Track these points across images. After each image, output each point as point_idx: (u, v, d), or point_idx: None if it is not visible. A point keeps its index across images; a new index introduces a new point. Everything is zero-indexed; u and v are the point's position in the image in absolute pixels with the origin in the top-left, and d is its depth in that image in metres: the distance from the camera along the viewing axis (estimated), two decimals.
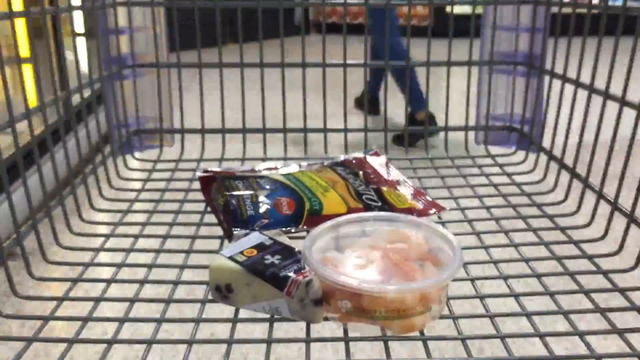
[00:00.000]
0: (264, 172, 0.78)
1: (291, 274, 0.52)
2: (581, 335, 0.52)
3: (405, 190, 0.77)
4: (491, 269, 0.64)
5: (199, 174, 0.80)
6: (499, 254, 0.67)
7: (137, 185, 0.85)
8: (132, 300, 0.58)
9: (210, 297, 0.57)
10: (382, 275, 0.53)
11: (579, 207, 0.75)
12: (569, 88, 0.80)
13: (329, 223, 0.60)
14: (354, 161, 0.84)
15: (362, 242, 0.58)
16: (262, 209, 0.69)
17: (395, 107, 2.80)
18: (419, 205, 0.73)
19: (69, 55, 2.16)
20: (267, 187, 0.72)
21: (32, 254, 0.63)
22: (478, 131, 1.03)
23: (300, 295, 0.51)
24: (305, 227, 0.67)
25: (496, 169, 0.91)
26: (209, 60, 0.96)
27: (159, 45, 0.97)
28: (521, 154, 0.96)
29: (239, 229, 0.66)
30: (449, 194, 0.82)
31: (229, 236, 0.66)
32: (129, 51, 0.95)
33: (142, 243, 0.69)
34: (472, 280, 0.61)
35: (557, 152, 0.85)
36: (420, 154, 0.97)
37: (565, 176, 0.80)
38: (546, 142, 0.91)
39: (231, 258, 0.55)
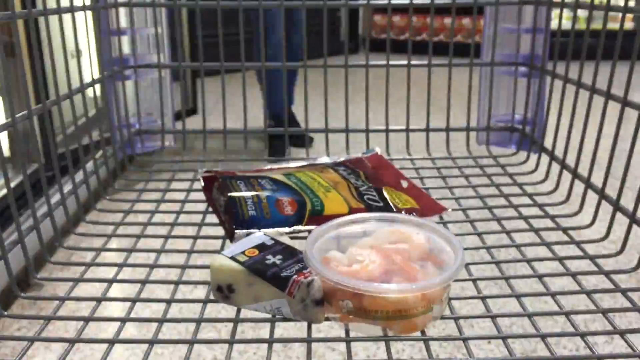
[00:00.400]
0: (266, 172, 0.78)
1: (292, 275, 0.52)
2: (583, 335, 0.52)
3: (407, 191, 0.77)
4: (493, 270, 0.64)
5: (200, 173, 0.80)
6: (500, 254, 0.67)
7: (139, 185, 0.85)
8: (133, 300, 0.59)
9: (211, 297, 0.57)
10: (383, 276, 0.53)
11: (580, 207, 0.75)
12: (571, 89, 0.80)
13: (330, 223, 0.60)
14: (354, 161, 0.84)
15: (364, 242, 0.58)
16: (264, 209, 0.69)
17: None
18: (421, 206, 0.73)
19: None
20: (269, 187, 0.72)
21: (34, 253, 0.63)
22: (479, 132, 1.03)
23: (302, 295, 0.51)
24: (306, 227, 0.68)
25: (498, 170, 0.91)
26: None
27: (160, 45, 0.97)
28: (523, 155, 0.96)
29: (240, 230, 0.66)
30: (451, 194, 0.82)
31: (230, 236, 0.66)
32: (130, 52, 0.96)
33: (143, 243, 0.69)
34: (474, 280, 0.61)
35: (558, 152, 0.85)
36: (422, 153, 0.97)
37: (567, 177, 0.80)
38: (547, 143, 0.91)
39: (233, 258, 0.55)
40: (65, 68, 0.72)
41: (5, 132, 0.64)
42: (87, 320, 0.55)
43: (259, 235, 0.60)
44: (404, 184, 0.79)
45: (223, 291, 0.55)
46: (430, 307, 0.51)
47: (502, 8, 0.96)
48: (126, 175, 0.91)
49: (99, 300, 0.59)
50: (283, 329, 0.52)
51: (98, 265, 0.66)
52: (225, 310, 0.56)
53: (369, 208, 0.71)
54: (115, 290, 0.60)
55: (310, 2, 0.94)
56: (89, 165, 0.81)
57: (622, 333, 0.53)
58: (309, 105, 0.98)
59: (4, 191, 1.35)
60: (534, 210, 0.77)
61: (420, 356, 0.50)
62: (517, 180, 0.87)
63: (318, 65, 0.96)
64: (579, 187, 0.77)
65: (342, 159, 0.85)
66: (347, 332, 0.52)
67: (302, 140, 2.73)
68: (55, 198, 0.71)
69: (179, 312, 0.54)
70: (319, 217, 0.68)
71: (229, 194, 0.71)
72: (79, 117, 0.77)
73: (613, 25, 0.92)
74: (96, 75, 0.84)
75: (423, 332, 0.52)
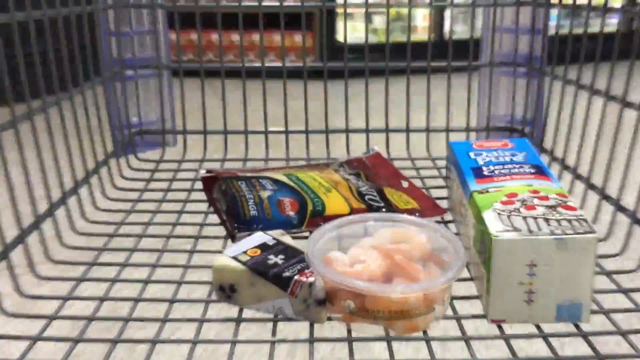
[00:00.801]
0: (266, 172, 0.78)
1: (294, 275, 0.52)
2: (585, 336, 0.52)
3: (408, 191, 0.77)
4: None
5: (201, 173, 0.80)
6: None
7: (140, 185, 0.85)
8: (135, 300, 0.59)
9: (213, 296, 0.57)
10: (385, 276, 0.53)
11: (581, 207, 0.75)
12: (570, 89, 0.80)
13: (332, 223, 0.60)
14: (355, 162, 0.84)
15: (365, 242, 0.58)
16: (265, 209, 0.69)
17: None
18: (421, 207, 0.73)
19: None
20: (270, 187, 0.72)
21: (36, 253, 0.63)
22: (479, 132, 1.03)
23: (304, 295, 0.51)
24: (307, 227, 0.68)
25: None
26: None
27: (160, 46, 0.97)
28: None
29: (241, 230, 0.66)
30: None
31: (232, 237, 0.66)
32: (131, 53, 0.96)
33: (145, 243, 0.69)
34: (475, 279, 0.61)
35: (558, 153, 0.85)
36: (422, 153, 0.97)
37: (567, 177, 0.80)
38: (547, 143, 0.91)
39: (235, 258, 0.55)
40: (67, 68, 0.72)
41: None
42: (89, 319, 0.55)
43: (260, 235, 0.60)
44: (405, 184, 0.79)
45: (225, 291, 0.55)
46: (432, 307, 0.51)
47: (500, 9, 0.96)
48: (127, 175, 0.91)
49: (100, 299, 0.59)
50: (285, 329, 0.52)
51: (100, 264, 0.66)
52: (228, 310, 0.56)
53: (370, 208, 0.71)
54: (117, 290, 0.60)
55: (308, 4, 0.94)
56: (90, 166, 0.81)
57: (624, 334, 0.53)
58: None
59: None
60: None
61: (422, 356, 0.50)
62: None
63: (318, 66, 0.96)
64: (579, 187, 0.77)
65: (343, 159, 0.85)
66: (349, 332, 0.52)
67: None
68: (56, 198, 0.71)
69: (181, 312, 0.54)
70: (320, 217, 0.68)
71: (230, 194, 0.71)
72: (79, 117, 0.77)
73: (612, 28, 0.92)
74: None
75: (425, 332, 0.52)
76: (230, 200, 0.70)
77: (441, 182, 0.87)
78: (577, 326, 0.53)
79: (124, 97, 0.95)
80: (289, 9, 0.94)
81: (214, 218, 0.74)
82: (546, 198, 0.55)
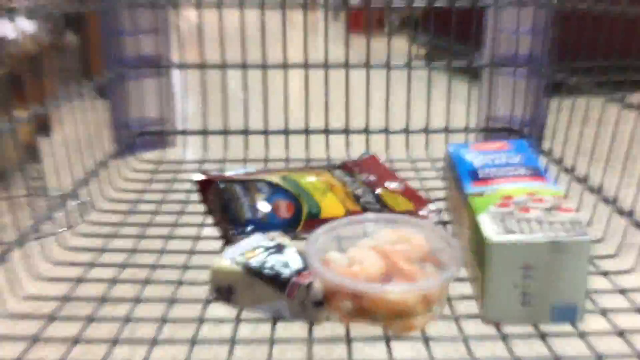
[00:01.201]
0: (262, 175, 0.77)
1: (292, 276, 0.52)
2: (582, 335, 0.52)
3: (403, 193, 0.77)
4: None
5: (196, 177, 0.80)
6: None
7: (140, 186, 0.86)
8: (134, 301, 0.59)
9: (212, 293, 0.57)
10: (383, 276, 0.53)
11: (578, 208, 0.75)
12: (570, 90, 0.80)
13: (330, 224, 0.60)
14: (351, 164, 0.84)
15: (363, 243, 0.58)
16: (261, 212, 0.68)
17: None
18: (416, 207, 0.73)
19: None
20: (265, 190, 0.72)
21: (36, 254, 0.63)
22: (478, 133, 1.03)
23: (302, 297, 0.51)
24: (303, 230, 0.67)
25: None
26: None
27: (162, 46, 0.97)
28: None
29: (237, 233, 0.66)
30: None
31: (227, 240, 0.66)
32: (132, 52, 0.96)
33: (145, 244, 0.69)
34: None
35: (556, 153, 0.85)
36: (422, 154, 0.97)
37: (565, 178, 0.80)
38: (546, 144, 0.91)
39: (232, 260, 0.55)
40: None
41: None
42: (88, 320, 0.56)
43: (258, 237, 0.60)
44: (400, 186, 0.79)
45: (223, 293, 0.55)
46: (429, 308, 0.51)
47: (501, 9, 0.96)
48: (127, 176, 0.91)
49: (100, 300, 0.59)
50: (284, 329, 0.53)
51: (99, 265, 0.66)
52: (226, 310, 0.56)
53: (366, 211, 0.71)
54: (116, 290, 0.61)
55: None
56: (91, 166, 0.82)
57: (622, 333, 0.53)
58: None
59: None
60: None
61: (420, 356, 0.50)
62: None
63: (318, 65, 0.97)
64: (577, 187, 0.77)
65: (338, 162, 0.85)
66: (347, 332, 0.52)
67: None
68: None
69: (180, 312, 0.54)
70: (315, 220, 0.68)
71: (226, 198, 0.71)
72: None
73: None
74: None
75: (423, 332, 0.52)
76: (226, 204, 0.70)
77: (440, 183, 0.87)
78: (574, 325, 0.53)
79: (124, 97, 0.96)
80: None
81: None
82: (542, 200, 0.55)
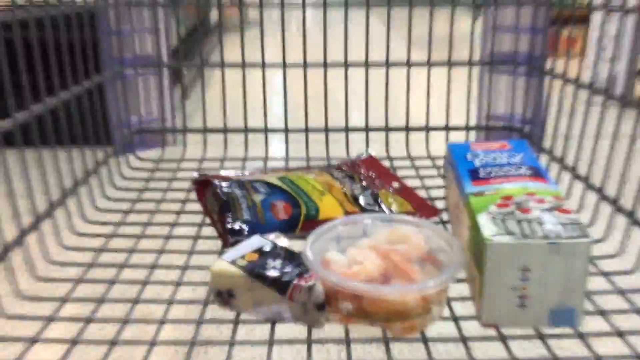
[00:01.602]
0: (259, 176, 0.77)
1: (293, 279, 0.52)
2: (582, 336, 0.52)
3: (402, 194, 0.76)
4: None
5: (193, 177, 0.79)
6: None
7: (140, 185, 0.86)
8: (134, 301, 0.59)
9: (212, 298, 0.57)
10: (382, 277, 0.53)
11: (579, 207, 0.75)
12: (570, 88, 0.80)
13: (329, 224, 0.60)
14: (349, 165, 0.83)
15: (363, 243, 0.58)
16: (258, 213, 0.68)
17: None
18: (416, 209, 0.73)
19: None
20: (263, 190, 0.72)
21: (35, 253, 0.63)
22: (479, 131, 1.03)
23: (303, 299, 0.51)
24: (301, 232, 0.67)
25: None
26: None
27: (160, 45, 0.97)
28: None
29: (234, 235, 0.65)
30: None
31: (224, 242, 0.66)
32: (131, 51, 0.96)
33: (144, 243, 0.69)
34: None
35: (557, 152, 0.85)
36: (422, 152, 0.97)
37: (566, 176, 0.80)
38: (546, 143, 0.91)
39: (232, 262, 0.55)
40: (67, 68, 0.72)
41: None
42: (87, 320, 0.55)
43: (258, 239, 0.59)
44: (399, 187, 0.79)
45: (223, 296, 0.55)
46: (429, 308, 0.51)
47: (501, 8, 0.96)
48: (127, 175, 0.91)
49: (99, 300, 0.59)
50: (283, 330, 0.52)
51: (99, 265, 0.66)
52: (226, 311, 0.56)
53: (364, 212, 0.70)
54: (116, 291, 0.61)
55: (310, 2, 0.94)
56: (90, 165, 0.82)
57: (621, 334, 0.53)
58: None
59: None
60: None
61: (420, 357, 0.50)
62: None
63: (319, 65, 0.96)
64: (578, 187, 0.77)
65: (336, 162, 0.85)
66: (346, 333, 0.52)
67: None
68: (55, 197, 0.71)
69: (179, 313, 0.54)
70: (314, 221, 0.68)
71: (223, 199, 0.70)
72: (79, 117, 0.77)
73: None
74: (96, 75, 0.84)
75: (422, 333, 0.52)
76: (223, 205, 0.69)
77: (440, 181, 0.87)
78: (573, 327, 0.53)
79: (123, 96, 0.95)
80: None
81: None
82: (542, 201, 0.55)
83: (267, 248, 0.57)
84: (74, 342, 0.52)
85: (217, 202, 0.71)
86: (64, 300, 0.59)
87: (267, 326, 0.54)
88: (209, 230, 0.73)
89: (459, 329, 0.54)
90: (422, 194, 0.80)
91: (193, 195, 0.82)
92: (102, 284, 0.62)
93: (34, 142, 0.63)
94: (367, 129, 1.00)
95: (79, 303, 0.59)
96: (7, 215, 0.61)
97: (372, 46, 0.97)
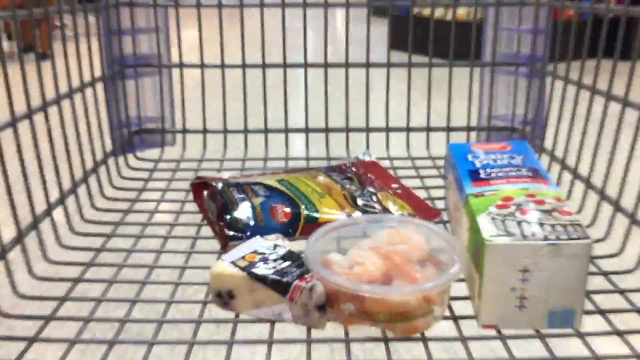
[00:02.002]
0: (258, 178, 0.76)
1: (294, 280, 0.52)
2: (582, 335, 0.52)
3: (402, 195, 0.76)
4: None
5: (191, 180, 0.79)
6: None
7: (139, 185, 0.85)
8: (133, 301, 0.59)
9: (211, 297, 0.57)
10: (384, 277, 0.53)
11: (580, 208, 0.75)
12: (571, 89, 0.80)
13: (330, 225, 0.60)
14: (347, 166, 0.83)
15: (363, 244, 0.57)
16: (258, 216, 0.67)
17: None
18: (416, 211, 0.73)
19: None
20: (262, 193, 0.71)
21: (34, 253, 0.63)
22: (480, 131, 1.03)
23: (304, 300, 0.51)
24: (301, 235, 0.66)
25: None
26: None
27: (160, 45, 0.97)
28: None
29: (234, 238, 0.65)
30: None
31: (224, 245, 0.65)
32: (131, 51, 0.96)
33: (143, 243, 0.69)
34: None
35: (558, 153, 0.85)
36: (422, 152, 0.97)
37: (567, 177, 0.80)
38: (548, 143, 0.91)
39: (233, 263, 0.55)
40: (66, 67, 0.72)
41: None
42: (86, 320, 0.55)
43: (258, 240, 0.59)
44: (399, 189, 0.78)
45: (223, 297, 0.54)
46: (431, 309, 0.51)
47: (503, 8, 0.96)
48: (126, 175, 0.91)
49: (98, 300, 0.59)
50: (282, 330, 0.52)
51: (98, 265, 0.66)
52: (225, 311, 0.56)
53: (364, 214, 0.70)
54: (114, 291, 0.60)
55: (310, 2, 0.94)
56: (89, 165, 0.81)
57: (621, 334, 0.53)
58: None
59: None
60: None
61: (420, 357, 0.50)
62: None
63: (319, 65, 0.96)
64: (579, 187, 0.77)
65: (334, 163, 0.84)
66: (346, 332, 0.52)
67: None
68: (54, 197, 0.71)
69: (179, 313, 0.54)
70: (314, 223, 0.67)
71: (222, 201, 0.70)
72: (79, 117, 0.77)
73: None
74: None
75: (422, 333, 0.52)
76: (222, 208, 0.69)
77: (440, 181, 0.87)
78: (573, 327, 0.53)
79: (123, 96, 0.95)
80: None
81: None
82: (542, 202, 0.55)
83: (268, 249, 0.57)
84: (72, 341, 0.52)
85: (216, 206, 0.70)
86: (63, 299, 0.59)
87: (267, 326, 0.53)
88: (208, 230, 0.72)
89: (459, 328, 0.54)
90: (422, 194, 0.80)
91: (192, 196, 0.82)
92: (101, 283, 0.62)
93: None
94: (367, 129, 0.99)
95: (78, 303, 0.59)
96: (6, 214, 0.61)
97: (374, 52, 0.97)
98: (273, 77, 0.99)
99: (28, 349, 0.51)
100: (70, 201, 0.73)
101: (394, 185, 0.79)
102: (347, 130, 0.99)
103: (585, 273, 0.50)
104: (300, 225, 0.67)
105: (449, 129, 0.99)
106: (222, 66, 0.96)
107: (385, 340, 0.51)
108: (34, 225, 0.65)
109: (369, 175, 0.80)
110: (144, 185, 0.85)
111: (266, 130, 0.99)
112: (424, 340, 0.51)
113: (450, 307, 0.56)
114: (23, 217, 0.62)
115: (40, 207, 0.67)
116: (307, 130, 0.99)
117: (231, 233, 0.65)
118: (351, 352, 0.51)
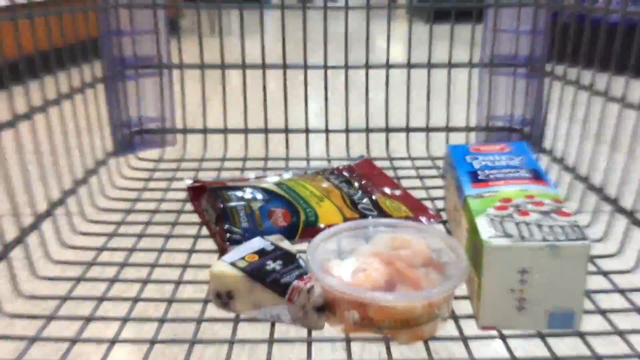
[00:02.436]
0: (256, 182, 0.76)
1: (292, 280, 0.52)
2: (582, 335, 0.52)
3: (400, 198, 0.76)
4: None
5: (187, 183, 0.79)
6: None
7: (140, 184, 0.86)
8: (134, 300, 0.59)
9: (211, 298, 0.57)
10: (387, 284, 0.52)
11: (579, 208, 0.75)
12: (570, 89, 0.80)
13: (330, 230, 0.59)
14: (345, 169, 0.83)
15: (365, 249, 0.57)
16: (257, 220, 0.67)
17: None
18: (415, 213, 0.72)
19: None
20: (260, 197, 0.70)
21: (35, 252, 0.63)
22: (479, 132, 1.03)
23: (302, 302, 0.51)
24: (301, 239, 0.66)
25: None
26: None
27: (160, 45, 0.97)
28: None
29: (232, 243, 0.64)
30: None
31: (222, 250, 0.65)
32: (131, 52, 0.96)
33: (144, 242, 0.69)
34: None
35: (557, 153, 0.85)
36: (422, 152, 0.97)
37: (566, 177, 0.80)
38: (547, 144, 0.91)
39: (232, 264, 0.55)
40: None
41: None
42: (87, 319, 0.55)
43: (259, 240, 0.59)
44: (397, 191, 0.78)
45: (222, 298, 0.54)
46: (435, 315, 0.50)
47: (501, 9, 0.96)
48: (127, 175, 0.91)
49: (99, 299, 0.59)
50: (283, 330, 0.52)
51: (98, 264, 0.66)
52: (225, 311, 0.56)
53: (364, 217, 0.69)
54: (116, 290, 0.61)
55: (310, 5, 0.94)
56: (90, 165, 0.82)
57: (622, 333, 0.53)
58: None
59: None
60: None
61: (420, 357, 0.50)
62: None
63: (319, 66, 0.97)
64: (578, 187, 0.77)
65: (332, 165, 0.84)
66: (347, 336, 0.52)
67: None
68: (55, 197, 0.71)
69: (180, 312, 0.55)
70: (313, 227, 0.67)
71: (220, 205, 0.69)
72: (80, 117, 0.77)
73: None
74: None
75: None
76: (220, 212, 0.68)
77: (440, 182, 0.87)
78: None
79: (124, 96, 0.96)
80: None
81: None
82: (541, 204, 0.55)
83: (268, 249, 0.57)
84: (73, 340, 0.52)
85: (214, 210, 0.70)
86: (64, 299, 0.59)
87: (267, 325, 0.54)
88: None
89: (459, 328, 0.54)
90: (422, 194, 0.80)
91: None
92: (102, 282, 0.62)
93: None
94: (367, 130, 1.00)
95: (80, 302, 0.59)
96: (7, 214, 0.61)
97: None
98: (273, 78, 0.99)
99: (28, 348, 0.51)
100: (72, 201, 0.73)
101: (392, 188, 0.79)
102: (347, 131, 0.99)
103: (585, 274, 0.50)
104: (300, 229, 0.67)
105: (448, 129, 0.99)
106: (222, 66, 0.96)
107: (386, 340, 0.51)
108: (35, 225, 0.65)
109: (367, 177, 0.80)
110: (145, 185, 0.85)
111: (266, 130, 0.99)
112: (424, 340, 0.51)
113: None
114: (24, 217, 0.62)
115: (42, 207, 0.67)
116: (307, 130, 0.99)
117: (230, 239, 0.65)
118: (352, 351, 0.51)
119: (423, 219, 0.72)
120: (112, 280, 0.62)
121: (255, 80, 1.04)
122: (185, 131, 0.99)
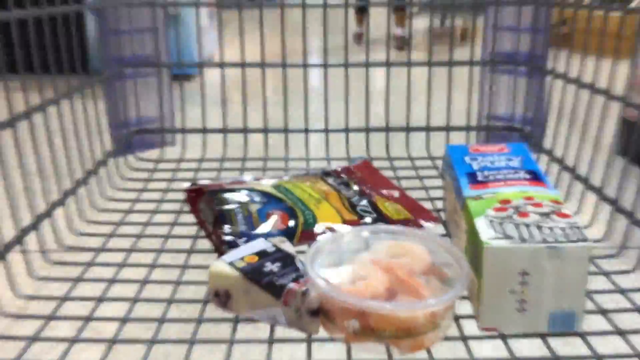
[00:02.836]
0: (253, 184, 0.75)
1: (288, 283, 0.51)
2: (582, 335, 0.52)
3: (399, 200, 0.75)
4: None
5: (185, 186, 0.78)
6: None
7: (139, 185, 0.85)
8: (133, 300, 0.59)
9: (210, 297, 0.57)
10: (388, 292, 0.51)
11: (579, 207, 0.75)
12: (571, 88, 0.80)
13: (329, 237, 0.58)
14: (344, 171, 0.82)
15: (365, 257, 0.55)
16: (255, 223, 0.66)
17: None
18: (414, 215, 0.72)
19: None
20: (258, 200, 0.70)
21: (34, 253, 0.63)
22: (479, 131, 1.03)
23: (297, 304, 0.50)
24: (299, 242, 0.65)
25: None
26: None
27: (160, 45, 0.97)
28: None
29: (231, 246, 0.63)
30: None
31: (220, 253, 0.64)
32: (130, 51, 0.96)
33: (144, 243, 0.69)
34: None
35: (558, 152, 0.85)
36: (422, 152, 0.97)
37: (566, 177, 0.80)
38: (547, 143, 0.91)
39: (231, 264, 0.55)
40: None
41: None
42: (87, 320, 0.55)
43: (261, 242, 0.59)
44: (396, 193, 0.78)
45: (221, 297, 0.54)
46: (438, 324, 0.49)
47: (502, 7, 0.96)
48: (126, 175, 0.91)
49: (99, 300, 0.59)
50: (283, 330, 0.52)
51: (98, 265, 0.66)
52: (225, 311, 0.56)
53: (362, 219, 0.69)
54: (115, 290, 0.60)
55: (310, 3, 0.94)
56: (89, 165, 0.81)
57: (622, 333, 0.53)
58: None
59: None
60: None
61: (420, 357, 0.50)
62: None
63: (319, 65, 0.96)
64: (578, 187, 0.77)
65: (331, 167, 0.83)
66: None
67: None
68: (54, 197, 0.71)
69: (179, 312, 0.54)
70: (311, 230, 0.66)
71: (218, 208, 0.69)
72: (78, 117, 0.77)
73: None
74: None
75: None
76: (218, 215, 0.68)
77: (440, 182, 0.87)
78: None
79: (123, 96, 0.95)
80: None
81: None
82: (540, 205, 0.55)
83: (269, 251, 0.57)
84: (72, 341, 0.52)
85: (212, 213, 0.69)
86: (63, 299, 0.59)
87: (267, 325, 0.53)
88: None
89: (460, 328, 0.54)
90: (422, 194, 0.80)
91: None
92: (101, 283, 0.62)
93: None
94: (367, 130, 0.99)
95: (79, 302, 0.59)
96: (6, 214, 0.61)
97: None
98: (273, 78, 0.99)
99: (28, 348, 0.51)
100: (71, 201, 0.73)
101: (391, 189, 0.78)
102: (347, 130, 0.99)
103: (585, 275, 0.50)
104: (298, 232, 0.66)
105: (448, 129, 0.99)
106: (222, 65, 0.96)
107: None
108: (35, 225, 0.65)
109: (366, 179, 0.80)
110: (145, 185, 0.85)
111: (266, 130, 0.99)
112: None
113: None
114: (23, 218, 0.62)
115: (41, 207, 0.67)
116: (307, 131, 0.99)
117: (228, 239, 0.64)
118: (351, 352, 0.51)
119: (422, 220, 0.71)
120: (112, 281, 0.62)
121: (254, 80, 1.04)
122: (184, 131, 0.99)
